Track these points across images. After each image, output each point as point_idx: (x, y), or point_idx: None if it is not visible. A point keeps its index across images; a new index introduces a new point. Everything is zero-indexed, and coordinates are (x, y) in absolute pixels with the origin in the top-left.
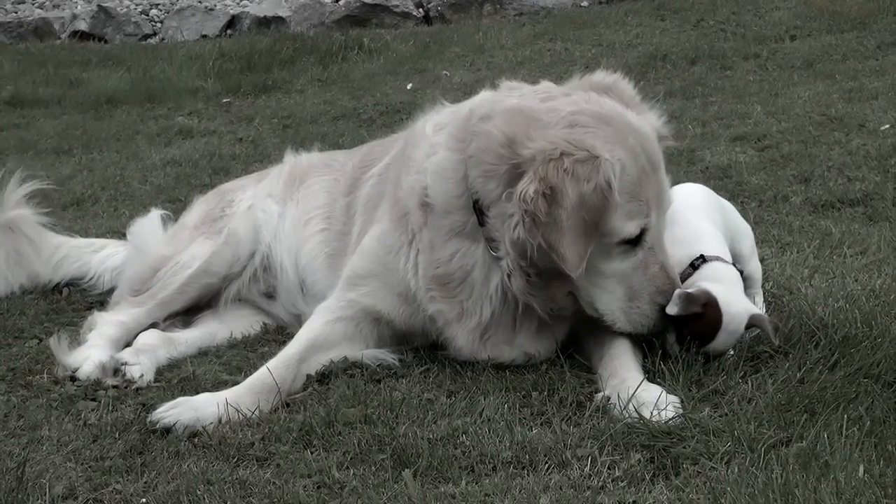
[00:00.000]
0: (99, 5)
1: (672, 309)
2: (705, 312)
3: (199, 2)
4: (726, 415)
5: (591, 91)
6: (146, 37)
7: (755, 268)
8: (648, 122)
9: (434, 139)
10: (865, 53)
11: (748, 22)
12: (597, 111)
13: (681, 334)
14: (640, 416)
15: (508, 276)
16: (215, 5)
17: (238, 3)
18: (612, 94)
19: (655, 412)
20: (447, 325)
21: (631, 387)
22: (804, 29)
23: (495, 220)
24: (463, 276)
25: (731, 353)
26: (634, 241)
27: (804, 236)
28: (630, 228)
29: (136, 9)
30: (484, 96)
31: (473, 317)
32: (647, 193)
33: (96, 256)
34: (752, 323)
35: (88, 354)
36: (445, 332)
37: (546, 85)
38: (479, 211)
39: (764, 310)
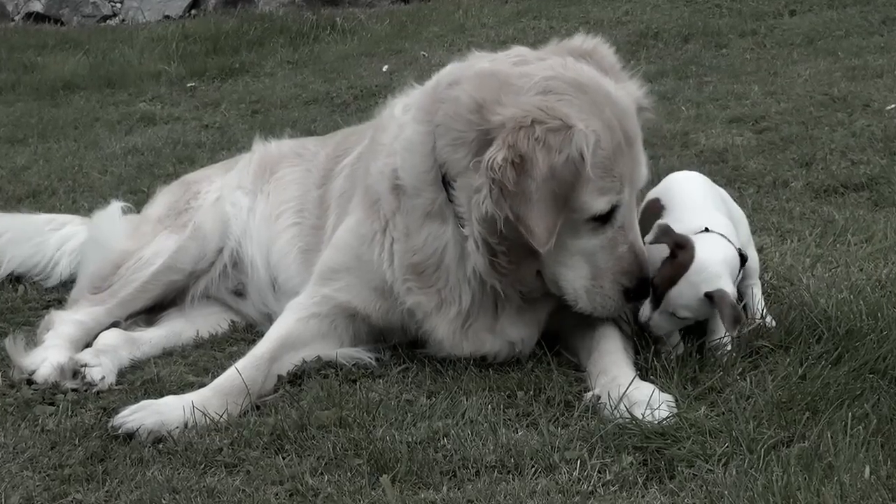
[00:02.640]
0: None
1: (648, 238)
2: (678, 254)
3: None
4: (723, 414)
5: (569, 56)
6: (105, 18)
7: (752, 257)
8: (628, 91)
9: (402, 119)
10: (869, 29)
11: None
12: (573, 78)
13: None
14: (632, 416)
15: (473, 256)
16: None
17: None
18: (590, 60)
19: (648, 412)
20: (426, 318)
21: (622, 385)
22: (804, 3)
23: (461, 192)
24: (437, 262)
25: (729, 347)
26: (604, 219)
27: (805, 223)
28: (600, 205)
29: None
30: (452, 66)
31: (453, 305)
32: (620, 169)
33: (54, 236)
34: (712, 297)
35: (46, 356)
36: (425, 324)
37: (519, 49)
38: (447, 185)
39: (762, 303)
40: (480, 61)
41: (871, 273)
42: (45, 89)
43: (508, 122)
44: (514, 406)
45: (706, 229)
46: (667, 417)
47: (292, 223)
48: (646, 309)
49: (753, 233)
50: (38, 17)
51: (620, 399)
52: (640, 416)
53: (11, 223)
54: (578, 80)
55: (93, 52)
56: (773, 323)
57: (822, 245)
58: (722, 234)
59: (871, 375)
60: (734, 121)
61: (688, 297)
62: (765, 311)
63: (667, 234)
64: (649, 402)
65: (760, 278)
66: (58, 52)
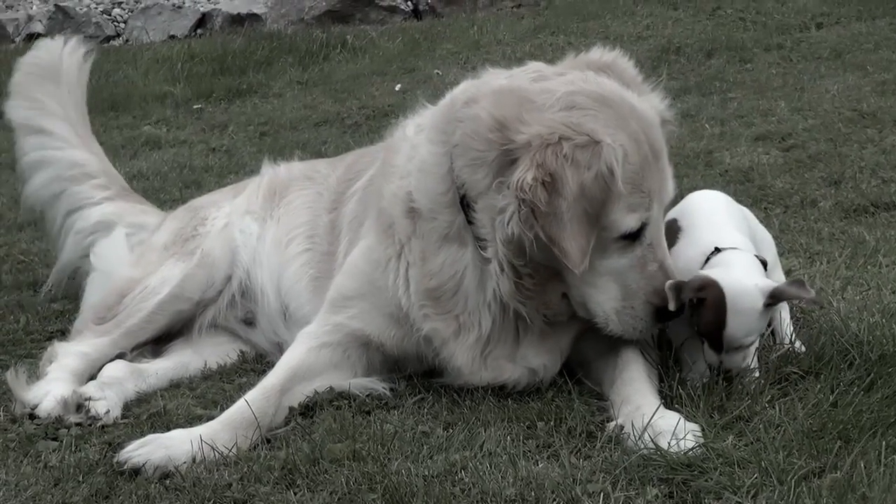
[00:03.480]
0: (56, 5)
1: (671, 305)
2: (705, 296)
3: None
4: (752, 443)
5: (588, 70)
6: (108, 38)
7: (779, 280)
8: (651, 104)
9: (415, 140)
10: None
11: (770, 9)
12: (595, 91)
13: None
14: (657, 447)
15: (497, 279)
16: (184, 2)
17: (209, 0)
18: (610, 73)
19: (674, 442)
20: (444, 345)
21: (646, 414)
22: (832, 16)
23: (483, 214)
24: (455, 286)
25: (757, 374)
26: (634, 236)
27: (835, 245)
28: (630, 222)
29: (96, 8)
30: (466, 83)
31: (472, 331)
32: (649, 184)
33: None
34: (777, 295)
35: (49, 389)
36: (442, 352)
37: (536, 65)
38: (465, 207)
39: (791, 328)
40: (496, 78)
41: None
42: None
43: (534, 139)
44: (535, 437)
45: (716, 249)
46: (693, 448)
47: (303, 249)
48: (710, 355)
49: (781, 255)
50: (39, 38)
51: (645, 429)
52: (666, 447)
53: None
54: (601, 94)
55: (96, 73)
56: (803, 348)
57: (852, 267)
58: (733, 248)
59: None
60: (760, 138)
61: (750, 326)
62: (794, 336)
63: (683, 289)
64: (675, 431)
65: (788, 302)
66: None
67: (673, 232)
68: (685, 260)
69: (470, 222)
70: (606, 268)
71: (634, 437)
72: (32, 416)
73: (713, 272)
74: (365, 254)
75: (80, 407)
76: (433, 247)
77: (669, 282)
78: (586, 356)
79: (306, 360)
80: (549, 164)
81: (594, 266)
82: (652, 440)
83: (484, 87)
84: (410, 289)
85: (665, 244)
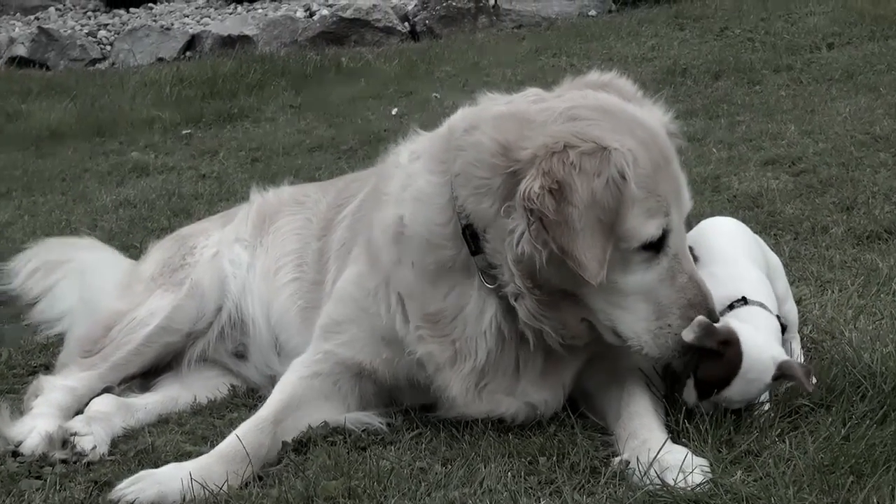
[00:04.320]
0: (39, 27)
1: (688, 335)
2: (724, 351)
3: (154, 20)
4: (761, 478)
5: (587, 89)
6: (94, 61)
7: (790, 309)
8: (654, 115)
9: (410, 168)
10: None
11: (779, 29)
12: (596, 104)
13: (696, 377)
14: (664, 483)
15: (515, 300)
16: (172, 24)
17: (198, 22)
18: (609, 90)
19: (681, 477)
20: (438, 371)
21: (653, 449)
22: (843, 36)
23: (494, 241)
24: (455, 312)
25: (766, 407)
26: (657, 246)
27: (847, 272)
28: (650, 229)
29: (81, 30)
30: (464, 111)
31: (468, 359)
32: (663, 188)
33: None
34: (782, 373)
35: (34, 425)
36: (437, 379)
37: (534, 90)
38: (470, 238)
39: (802, 357)
40: (495, 104)
41: None
42: (29, 138)
43: (538, 150)
44: (536, 473)
45: (744, 299)
46: (701, 483)
47: (292, 278)
48: (691, 395)
49: (791, 283)
50: (21, 62)
51: (651, 464)
52: (672, 482)
53: None
54: (603, 106)
55: (81, 98)
56: (814, 380)
57: (865, 295)
58: (761, 304)
59: None
60: (769, 163)
61: (748, 393)
62: None
63: (710, 334)
64: (682, 466)
65: (799, 332)
66: (43, 98)
67: None
68: None
69: (474, 253)
70: (633, 285)
71: (640, 472)
72: (16, 454)
73: (740, 329)
74: (354, 280)
75: (65, 443)
76: (430, 276)
77: (699, 318)
78: (589, 388)
79: (298, 389)
80: (556, 171)
81: (618, 285)
82: (658, 475)
83: (483, 113)
84: (407, 313)
85: (690, 256)
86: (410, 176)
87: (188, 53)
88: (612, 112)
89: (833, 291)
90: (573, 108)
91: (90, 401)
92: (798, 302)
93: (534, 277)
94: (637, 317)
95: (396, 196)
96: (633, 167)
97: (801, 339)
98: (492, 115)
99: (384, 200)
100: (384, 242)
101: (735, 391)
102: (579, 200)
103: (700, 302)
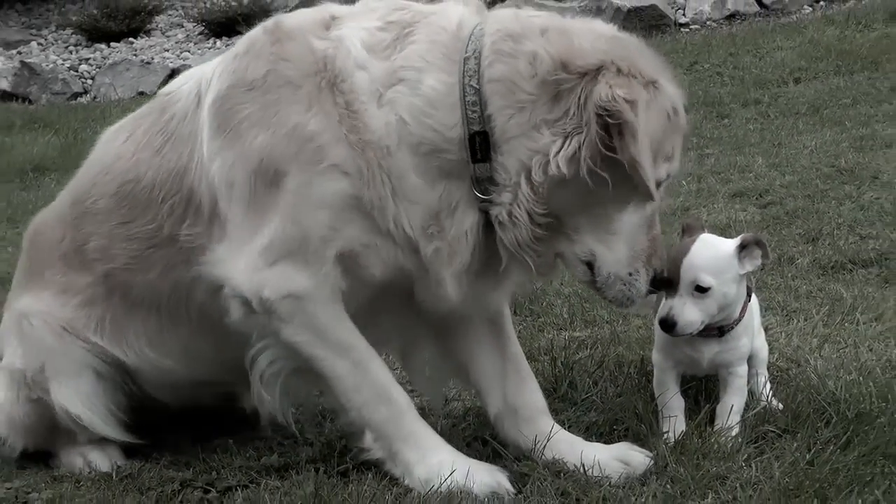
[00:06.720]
0: (22, 61)
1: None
2: (686, 226)
3: (135, 55)
4: (729, 502)
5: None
6: (76, 95)
7: (761, 345)
8: None
9: (390, 65)
10: (878, 97)
11: (747, 64)
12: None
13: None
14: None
15: (503, 225)
16: (153, 58)
17: (178, 56)
18: None
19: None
20: (441, 265)
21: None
22: (809, 71)
23: (509, 158)
24: (448, 213)
25: (735, 432)
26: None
27: (812, 302)
28: (661, 172)
29: (63, 64)
30: (466, 11)
31: (457, 256)
32: (675, 138)
33: None
34: (744, 242)
35: None
36: (440, 273)
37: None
38: (479, 146)
39: (768, 386)
40: (533, 15)
41: (882, 353)
42: (13, 171)
43: (608, 65)
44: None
45: None
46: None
47: None
48: (664, 306)
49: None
50: (4, 96)
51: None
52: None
53: None
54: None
55: (63, 131)
56: (780, 406)
57: (829, 324)
58: None
59: (882, 460)
60: (737, 195)
61: (709, 253)
62: (770, 394)
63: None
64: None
65: (768, 364)
66: (26, 131)
67: None
68: None
69: (478, 160)
70: (624, 223)
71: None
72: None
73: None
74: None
75: None
76: (431, 179)
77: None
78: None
79: None
80: (629, 86)
81: (614, 221)
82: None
83: (524, 23)
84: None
85: None
86: (393, 73)
87: None
88: (644, 48)
89: (799, 320)
90: (615, 34)
91: None
92: (765, 330)
93: (542, 204)
94: (616, 257)
95: (383, 97)
96: (680, 106)
97: (768, 368)
98: (538, 27)
99: (359, 102)
100: (392, 148)
101: (697, 254)
102: (644, 121)
103: (660, 256)
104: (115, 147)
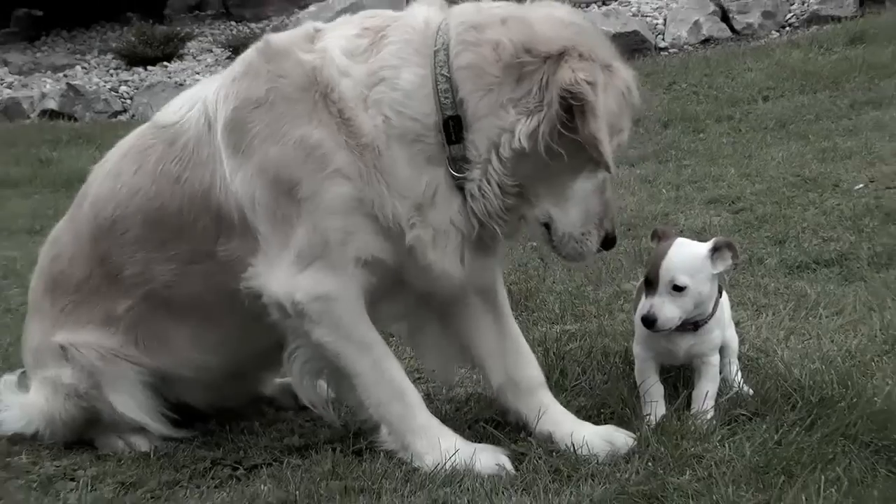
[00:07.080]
0: (68, 83)
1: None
2: (661, 234)
3: (169, 77)
4: (705, 478)
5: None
6: (116, 114)
7: (731, 336)
8: None
9: (369, 67)
10: (838, 113)
11: (721, 84)
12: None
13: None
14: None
15: (474, 197)
16: (185, 80)
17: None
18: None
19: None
20: (426, 250)
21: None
22: (777, 90)
23: (479, 137)
24: (431, 199)
25: (710, 415)
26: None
27: (780, 298)
28: (613, 144)
29: (105, 86)
30: (431, 10)
31: (447, 237)
32: (626, 115)
33: None
34: (716, 245)
35: None
36: (428, 256)
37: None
38: (453, 129)
39: (740, 374)
40: (491, 7)
41: (842, 344)
42: (60, 182)
43: (570, 50)
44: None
45: None
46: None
47: None
48: (645, 305)
49: (731, 308)
50: (52, 114)
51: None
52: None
53: None
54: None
55: (104, 146)
56: (750, 392)
57: (795, 318)
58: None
59: (842, 440)
60: (712, 202)
61: (688, 261)
62: (742, 381)
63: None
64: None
65: (738, 352)
66: (72, 146)
67: None
68: None
69: (453, 142)
70: (578, 189)
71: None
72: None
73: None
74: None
75: None
76: (416, 168)
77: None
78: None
79: None
80: (590, 69)
81: (569, 187)
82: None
83: (485, 12)
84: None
85: None
86: (374, 74)
87: None
88: (600, 33)
89: (767, 315)
90: (573, 20)
91: None
92: (737, 324)
93: (509, 176)
94: (570, 220)
95: (368, 99)
96: (633, 85)
97: (739, 357)
98: (498, 17)
99: (349, 109)
100: (381, 142)
101: (675, 257)
102: (602, 100)
103: (611, 218)
104: (125, 181)
